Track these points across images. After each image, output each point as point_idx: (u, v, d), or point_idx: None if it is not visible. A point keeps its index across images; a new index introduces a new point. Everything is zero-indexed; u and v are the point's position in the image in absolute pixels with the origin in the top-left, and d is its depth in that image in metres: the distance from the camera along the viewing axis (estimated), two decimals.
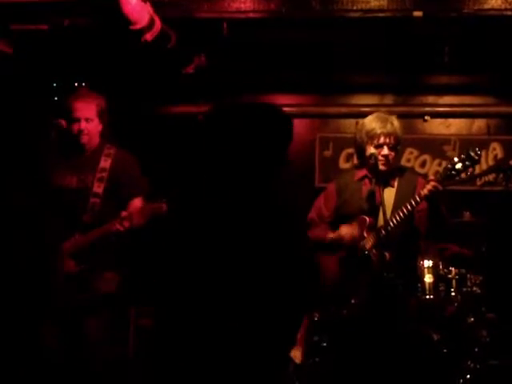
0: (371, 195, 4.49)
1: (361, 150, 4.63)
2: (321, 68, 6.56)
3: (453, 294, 4.96)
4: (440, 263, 4.96)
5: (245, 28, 5.76)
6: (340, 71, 6.68)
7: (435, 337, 4.69)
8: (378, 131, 4.50)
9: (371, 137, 4.52)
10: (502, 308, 5.15)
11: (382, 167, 4.48)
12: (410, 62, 6.41)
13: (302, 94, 7.17)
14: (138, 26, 5.22)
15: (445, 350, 4.72)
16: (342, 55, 6.18)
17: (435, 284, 4.95)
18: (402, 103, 7.18)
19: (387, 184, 4.55)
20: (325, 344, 4.30)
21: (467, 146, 6.53)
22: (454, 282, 5.00)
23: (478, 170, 6.78)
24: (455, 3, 5.51)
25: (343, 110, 6.93)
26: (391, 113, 7.01)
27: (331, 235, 4.56)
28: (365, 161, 4.62)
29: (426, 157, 6.92)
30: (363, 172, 4.66)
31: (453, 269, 5.06)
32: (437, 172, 4.37)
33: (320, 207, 4.75)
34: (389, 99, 7.21)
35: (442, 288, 4.96)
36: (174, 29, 5.66)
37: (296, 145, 7.09)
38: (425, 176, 5.68)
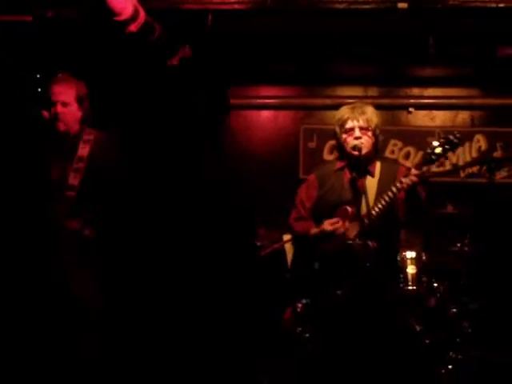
0: (352, 185, 4.49)
1: (338, 141, 4.66)
2: (305, 59, 6.57)
3: (435, 284, 4.98)
4: (423, 254, 4.99)
5: (230, 19, 5.75)
6: (325, 63, 6.69)
7: (417, 327, 4.72)
8: (346, 116, 4.55)
9: (341, 124, 4.57)
10: (484, 299, 5.18)
11: (354, 152, 4.49)
12: (394, 54, 6.43)
13: (287, 85, 7.17)
14: (122, 17, 5.20)
15: (427, 341, 4.75)
16: (326, 47, 6.20)
17: (418, 275, 4.98)
18: (386, 95, 7.20)
19: (368, 173, 4.55)
20: (307, 335, 4.31)
21: None
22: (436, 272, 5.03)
23: (461, 161, 6.86)
24: None
25: (327, 101, 6.91)
26: (376, 104, 7.07)
27: (314, 230, 4.56)
28: (341, 150, 4.63)
29: (410, 149, 6.94)
30: (343, 162, 4.67)
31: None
32: (417, 163, 4.33)
33: (301, 198, 4.76)
34: (373, 91, 7.22)
35: (424, 279, 4.99)
36: (159, 20, 5.65)
37: (280, 136, 7.11)
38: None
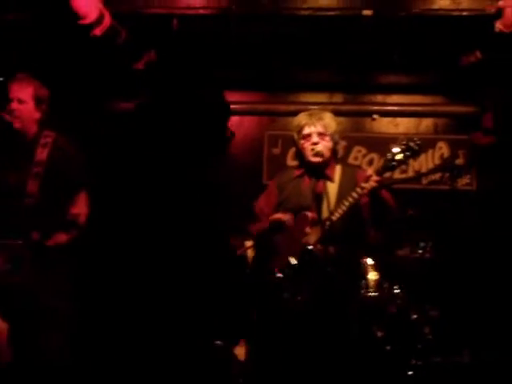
0: (312, 191, 4.50)
1: (296, 148, 4.68)
2: (270, 65, 6.57)
3: (396, 291, 5.01)
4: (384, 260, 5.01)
5: (195, 24, 5.74)
6: (289, 69, 6.70)
7: (379, 334, 4.75)
8: (303, 122, 4.57)
9: (299, 130, 4.59)
10: (445, 305, 5.21)
11: (313, 158, 4.51)
12: (359, 61, 6.44)
13: (251, 91, 7.18)
14: (86, 21, 5.19)
15: (388, 347, 4.77)
16: (291, 53, 6.20)
17: (379, 281, 5.01)
18: (350, 101, 7.24)
19: (327, 179, 4.56)
20: (268, 341, 4.31)
21: None
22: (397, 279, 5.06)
23: (424, 168, 6.91)
24: (404, 3, 5.57)
25: (292, 107, 6.91)
26: (340, 111, 7.13)
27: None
28: (301, 158, 4.65)
29: (374, 155, 6.98)
30: (302, 169, 4.68)
31: None
32: (377, 169, 4.34)
33: (261, 205, 4.76)
34: (338, 97, 7.26)
35: (385, 285, 5.02)
36: (124, 24, 5.63)
37: (244, 142, 7.12)
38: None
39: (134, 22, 5.68)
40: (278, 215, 4.53)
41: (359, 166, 6.73)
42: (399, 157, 4.26)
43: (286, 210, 4.56)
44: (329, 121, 4.63)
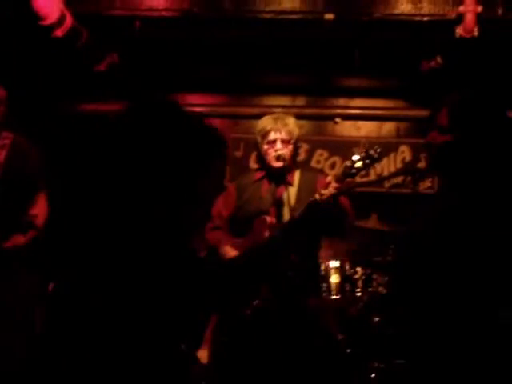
0: (272, 195, 4.50)
1: (258, 151, 4.67)
2: (233, 68, 6.57)
3: (358, 294, 5.03)
4: (346, 264, 5.02)
5: (158, 26, 5.72)
6: (252, 71, 6.70)
7: (340, 336, 4.76)
8: (268, 127, 4.54)
9: (263, 135, 4.56)
10: (406, 308, 5.23)
11: (275, 164, 4.51)
12: (321, 64, 6.47)
13: (214, 93, 7.16)
14: (47, 22, 5.15)
15: (349, 350, 4.78)
16: (254, 56, 6.20)
17: (341, 284, 5.02)
18: (313, 105, 7.25)
19: (287, 183, 4.56)
20: (230, 345, 4.30)
21: None
22: (359, 282, 5.07)
23: (386, 172, 6.95)
24: (366, 7, 5.60)
25: (255, 110, 6.90)
26: (302, 114, 7.15)
27: (224, 249, 4.51)
28: (261, 161, 4.64)
29: (336, 159, 7.00)
30: (262, 172, 4.68)
31: (359, 269, 5.13)
32: (335, 174, 4.35)
33: (219, 207, 4.73)
34: (300, 101, 7.27)
35: (347, 288, 5.03)
36: (86, 26, 5.59)
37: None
38: None
39: (95, 23, 5.64)
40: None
41: (321, 170, 6.75)
42: (358, 164, 4.27)
43: (245, 213, 4.55)
44: (293, 127, 4.63)
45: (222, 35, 5.81)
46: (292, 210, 4.36)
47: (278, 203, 4.40)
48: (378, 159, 4.32)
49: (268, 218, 4.41)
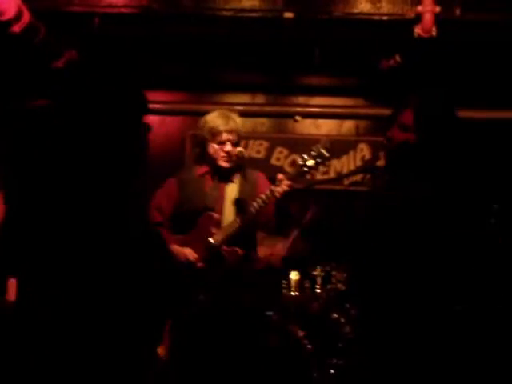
0: (214, 192, 4.49)
1: (203, 147, 4.60)
2: (193, 65, 6.55)
3: (318, 290, 5.05)
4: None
5: (117, 23, 5.69)
6: (212, 69, 6.69)
7: (300, 333, 4.77)
8: (221, 128, 4.48)
9: (214, 134, 4.50)
10: (365, 304, 5.27)
11: (224, 164, 4.49)
12: (281, 63, 6.48)
13: (174, 91, 7.15)
14: (4, 17, 5.08)
15: (309, 346, 4.80)
16: (214, 53, 6.19)
17: (300, 281, 5.04)
18: (273, 103, 7.28)
19: (229, 180, 4.56)
20: (184, 341, 4.29)
21: (336, 146, 6.68)
22: (318, 279, 5.10)
23: (345, 170, 6.99)
24: (326, 6, 5.62)
25: (215, 108, 6.88)
26: (263, 112, 7.17)
27: (172, 247, 4.48)
28: (207, 157, 4.59)
29: (296, 156, 7.01)
30: (204, 168, 4.62)
31: (318, 266, 5.16)
32: (289, 174, 4.36)
33: (159, 203, 4.63)
34: (260, 98, 7.29)
35: (307, 285, 5.06)
36: (44, 22, 5.54)
37: (166, 142, 7.08)
38: None
39: (54, 19, 5.59)
40: (187, 256, 4.47)
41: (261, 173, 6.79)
42: (310, 163, 4.29)
43: (189, 209, 4.50)
44: (240, 127, 4.61)
45: (181, 32, 5.79)
46: (237, 206, 4.38)
47: (222, 200, 4.42)
48: (329, 158, 4.35)
49: (215, 215, 4.40)
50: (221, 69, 6.68)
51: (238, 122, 4.56)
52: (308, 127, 7.26)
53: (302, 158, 4.33)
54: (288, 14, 5.51)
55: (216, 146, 4.49)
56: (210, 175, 4.57)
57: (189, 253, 4.40)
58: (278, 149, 7.06)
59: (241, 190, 4.50)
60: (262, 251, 5.06)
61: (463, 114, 6.87)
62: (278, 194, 4.26)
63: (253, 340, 4.27)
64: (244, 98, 7.24)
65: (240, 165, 4.55)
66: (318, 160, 4.30)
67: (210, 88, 7.14)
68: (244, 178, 4.54)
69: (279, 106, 7.25)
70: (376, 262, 3.94)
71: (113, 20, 5.60)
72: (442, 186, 3.61)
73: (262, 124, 7.23)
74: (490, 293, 5.04)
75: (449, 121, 3.67)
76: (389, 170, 4.10)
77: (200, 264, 4.36)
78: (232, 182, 4.55)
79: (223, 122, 4.49)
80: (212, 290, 4.27)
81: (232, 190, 4.51)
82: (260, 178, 4.54)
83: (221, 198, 4.47)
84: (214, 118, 4.53)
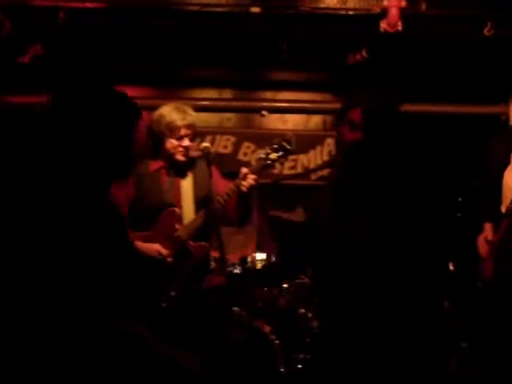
0: (171, 187, 4.47)
1: (159, 142, 4.54)
2: (159, 60, 6.52)
3: (285, 285, 5.07)
4: (272, 256, 5.06)
5: (82, 17, 5.64)
6: (179, 64, 6.66)
7: (266, 328, 4.79)
8: (179, 123, 4.44)
9: (172, 129, 4.46)
10: (332, 299, 5.29)
11: (181, 158, 4.45)
12: (248, 57, 6.46)
13: (140, 86, 7.08)
14: None
15: (276, 342, 4.81)
16: (180, 48, 6.16)
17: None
18: (240, 98, 7.26)
19: (184, 175, 4.53)
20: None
21: (304, 141, 6.69)
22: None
23: (313, 165, 7.00)
24: (292, 1, 5.63)
25: (182, 103, 6.89)
26: (230, 107, 7.16)
27: (139, 244, 4.45)
28: (163, 152, 4.54)
29: (263, 151, 7.01)
30: (159, 163, 4.58)
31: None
32: (253, 168, 4.36)
33: (119, 196, 4.55)
34: (227, 93, 7.27)
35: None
36: (9, 16, 5.49)
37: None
38: None
39: (18, 13, 5.54)
40: (155, 251, 4.45)
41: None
42: (273, 156, 4.31)
43: (147, 205, 4.46)
44: (196, 120, 4.59)
45: (147, 27, 5.76)
46: (201, 200, 4.38)
47: (179, 195, 4.42)
48: (291, 151, 4.36)
49: (177, 210, 4.38)
50: (188, 64, 6.65)
51: (194, 115, 4.54)
52: (275, 122, 7.25)
53: (265, 151, 4.34)
54: (255, 9, 5.52)
55: (174, 140, 4.44)
56: (166, 170, 4.53)
57: (160, 248, 4.38)
58: (246, 144, 7.05)
59: (196, 185, 4.48)
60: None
61: (423, 108, 7.05)
62: (244, 188, 4.25)
63: (219, 335, 4.27)
64: (211, 93, 7.22)
65: (191, 158, 4.53)
66: (281, 153, 4.31)
67: (177, 83, 7.10)
68: (197, 171, 4.52)
69: (246, 101, 7.24)
70: (342, 258, 3.95)
71: (78, 14, 5.56)
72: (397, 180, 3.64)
73: (229, 119, 7.22)
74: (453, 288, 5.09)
75: (393, 117, 3.70)
76: (344, 165, 4.10)
77: (170, 259, 4.34)
78: (187, 176, 4.53)
79: (181, 116, 4.44)
80: (180, 286, 4.26)
81: (188, 185, 4.47)
82: (214, 172, 4.52)
83: (178, 193, 4.44)
84: (170, 113, 4.47)
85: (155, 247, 4.38)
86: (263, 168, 4.33)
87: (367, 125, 3.63)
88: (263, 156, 4.32)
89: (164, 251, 4.35)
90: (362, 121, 3.67)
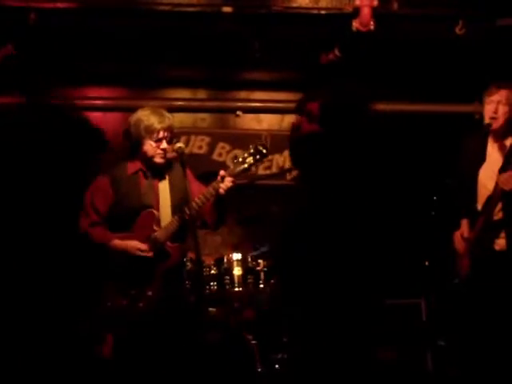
0: (149, 189, 4.47)
1: (137, 145, 4.53)
2: (132, 61, 6.47)
3: (261, 285, 5.06)
4: (249, 256, 5.05)
5: (53, 17, 5.60)
6: (152, 65, 6.63)
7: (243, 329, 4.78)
8: (158, 126, 4.45)
9: (150, 132, 4.45)
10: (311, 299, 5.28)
11: (160, 160, 4.47)
12: (221, 57, 6.45)
13: (114, 86, 7.04)
14: None
15: (253, 342, 4.81)
16: (153, 48, 6.14)
17: (244, 276, 5.05)
18: (214, 98, 7.24)
19: (161, 177, 4.54)
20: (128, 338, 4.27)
21: (278, 141, 6.68)
22: (262, 274, 5.11)
23: (287, 164, 7.00)
24: (264, 0, 5.63)
25: (156, 104, 6.83)
26: (204, 107, 7.14)
27: (117, 242, 4.44)
28: (140, 154, 4.53)
29: (238, 151, 6.96)
30: (137, 165, 4.57)
31: (261, 261, 5.17)
32: (230, 171, 4.38)
33: (93, 202, 4.53)
34: (202, 94, 7.24)
35: (250, 280, 5.06)
36: None
37: (108, 138, 6.97)
38: None
39: None
40: (135, 249, 4.44)
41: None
42: (249, 160, 4.34)
43: (126, 208, 4.46)
44: (173, 122, 4.59)
45: (118, 27, 5.73)
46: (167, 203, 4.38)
47: (158, 197, 4.42)
48: (266, 154, 4.40)
49: (155, 212, 4.39)
50: (161, 64, 6.63)
51: (171, 118, 4.56)
52: (249, 122, 7.24)
53: (242, 155, 4.37)
54: (226, 9, 5.51)
55: (153, 143, 4.45)
56: (143, 172, 4.53)
57: (138, 244, 4.39)
58: (220, 144, 7.03)
59: (172, 187, 4.49)
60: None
61: (397, 107, 7.09)
62: (222, 191, 4.28)
63: (196, 336, 4.26)
64: (185, 93, 7.19)
65: (171, 161, 4.54)
66: (257, 157, 4.35)
67: (151, 84, 7.05)
68: (173, 173, 4.53)
69: (220, 101, 7.22)
70: (317, 255, 3.95)
71: (49, 14, 5.51)
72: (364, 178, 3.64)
73: (204, 119, 7.19)
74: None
75: (360, 114, 3.69)
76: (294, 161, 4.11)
77: (151, 253, 4.35)
78: (164, 178, 4.53)
79: (158, 119, 4.46)
80: (157, 286, 4.27)
81: (165, 187, 4.50)
82: (189, 174, 4.52)
83: (156, 195, 4.45)
84: (148, 116, 4.48)
85: (133, 244, 4.38)
86: (240, 172, 4.36)
87: (324, 118, 3.63)
88: (240, 160, 4.35)
89: (143, 246, 4.35)
90: (319, 113, 3.68)
